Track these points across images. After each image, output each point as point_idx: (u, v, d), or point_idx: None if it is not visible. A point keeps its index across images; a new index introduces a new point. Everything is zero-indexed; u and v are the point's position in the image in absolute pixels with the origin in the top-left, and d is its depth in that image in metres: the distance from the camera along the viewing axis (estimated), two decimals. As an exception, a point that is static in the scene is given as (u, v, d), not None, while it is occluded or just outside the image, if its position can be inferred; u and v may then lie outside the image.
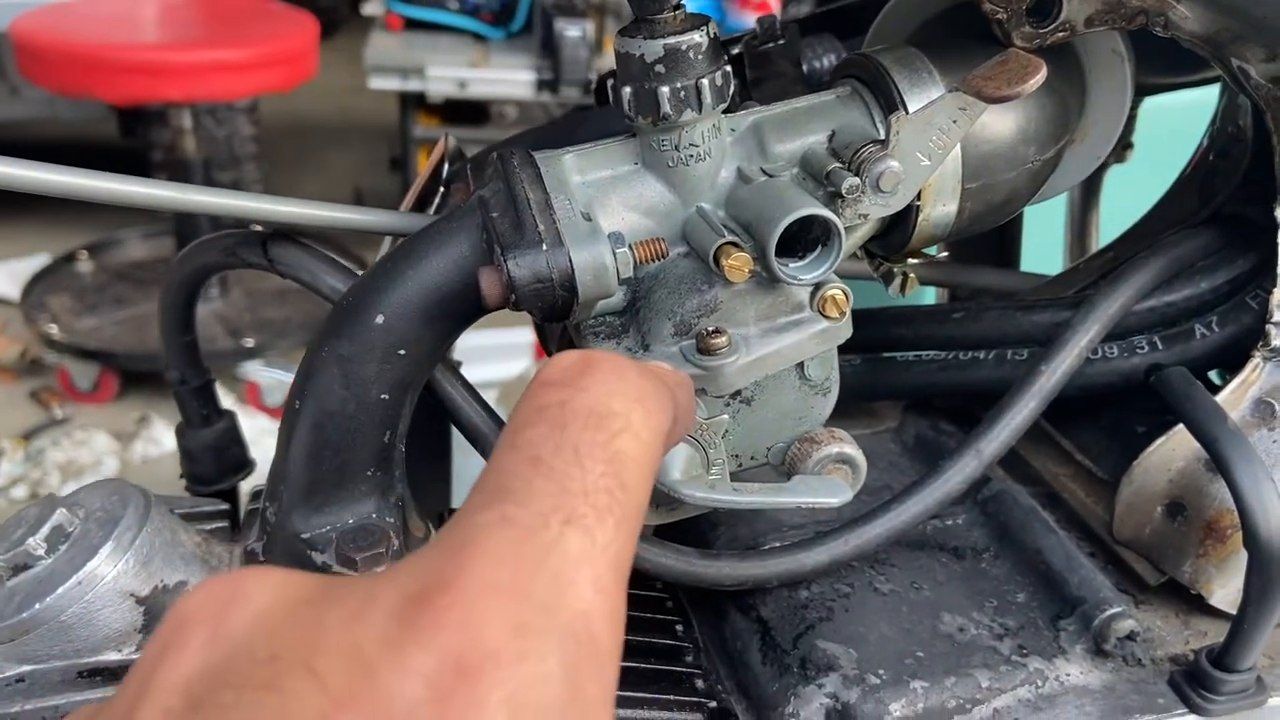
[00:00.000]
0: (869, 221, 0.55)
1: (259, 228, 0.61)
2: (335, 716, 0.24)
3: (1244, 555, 0.55)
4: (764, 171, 0.54)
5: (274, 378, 2.94)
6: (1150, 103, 0.81)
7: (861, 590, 0.62)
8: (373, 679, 0.25)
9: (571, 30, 3.26)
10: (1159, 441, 0.61)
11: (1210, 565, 0.61)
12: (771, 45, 0.70)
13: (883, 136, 0.53)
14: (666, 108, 0.51)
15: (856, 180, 0.52)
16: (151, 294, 3.23)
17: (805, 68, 0.71)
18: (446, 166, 0.70)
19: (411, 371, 0.54)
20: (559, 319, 0.53)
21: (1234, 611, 0.57)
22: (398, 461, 0.57)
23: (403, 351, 0.53)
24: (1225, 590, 0.61)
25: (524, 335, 2.57)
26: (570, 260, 0.49)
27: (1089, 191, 0.97)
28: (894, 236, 0.61)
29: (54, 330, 3.01)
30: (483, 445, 0.59)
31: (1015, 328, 0.69)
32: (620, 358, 0.35)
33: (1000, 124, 0.58)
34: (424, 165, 0.71)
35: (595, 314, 0.54)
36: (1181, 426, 0.59)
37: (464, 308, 0.53)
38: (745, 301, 0.53)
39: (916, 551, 0.65)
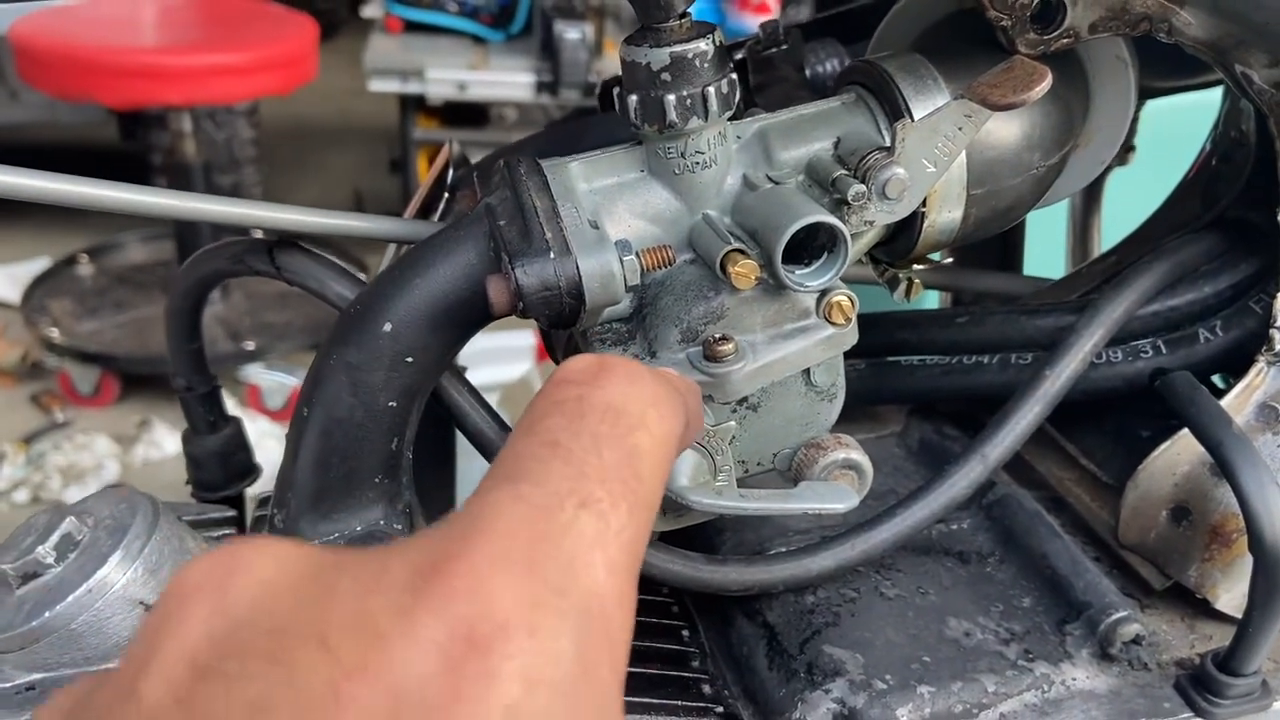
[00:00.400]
0: (874, 228, 0.55)
1: (262, 234, 0.61)
2: (346, 687, 0.24)
3: (1249, 559, 0.55)
4: (770, 179, 0.55)
5: (275, 381, 2.94)
6: (1153, 106, 0.81)
7: (868, 595, 0.62)
8: (384, 649, 0.25)
9: (571, 32, 3.26)
10: (1164, 446, 0.61)
11: (1215, 569, 0.61)
12: (775, 50, 0.71)
13: (888, 143, 0.53)
14: (673, 116, 0.52)
15: (862, 187, 0.52)
16: (152, 297, 3.23)
17: (809, 73, 0.71)
18: (450, 172, 0.70)
19: (419, 379, 0.54)
20: (566, 326, 0.53)
21: (1239, 616, 0.57)
22: (405, 468, 0.57)
23: (410, 359, 0.53)
24: (1230, 594, 0.62)
25: (526, 338, 2.58)
26: (578, 268, 0.49)
27: (1092, 195, 0.97)
28: (899, 242, 0.61)
29: (55, 334, 3.01)
30: (488, 450, 0.59)
31: (1019, 332, 0.69)
32: (634, 362, 0.35)
33: (1005, 130, 0.58)
34: (425, 169, 0.71)
35: (602, 321, 0.54)
36: (1186, 431, 0.59)
37: (471, 315, 0.53)
38: (752, 308, 0.54)
39: (922, 556, 0.65)
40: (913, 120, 0.54)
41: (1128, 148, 0.84)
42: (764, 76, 0.71)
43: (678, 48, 0.51)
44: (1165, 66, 0.70)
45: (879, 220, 0.54)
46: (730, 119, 0.54)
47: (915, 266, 0.63)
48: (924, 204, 0.57)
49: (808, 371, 0.56)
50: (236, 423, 0.77)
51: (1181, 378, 0.61)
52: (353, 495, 0.55)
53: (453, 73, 3.32)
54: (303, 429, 0.55)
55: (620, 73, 0.54)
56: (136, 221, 3.47)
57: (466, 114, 3.46)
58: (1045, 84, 0.51)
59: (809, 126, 0.56)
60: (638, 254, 0.51)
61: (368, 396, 0.53)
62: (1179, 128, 0.90)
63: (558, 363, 0.63)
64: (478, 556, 0.26)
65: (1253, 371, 0.60)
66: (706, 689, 0.59)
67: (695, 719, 0.56)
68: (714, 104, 0.52)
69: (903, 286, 0.62)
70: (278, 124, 4.26)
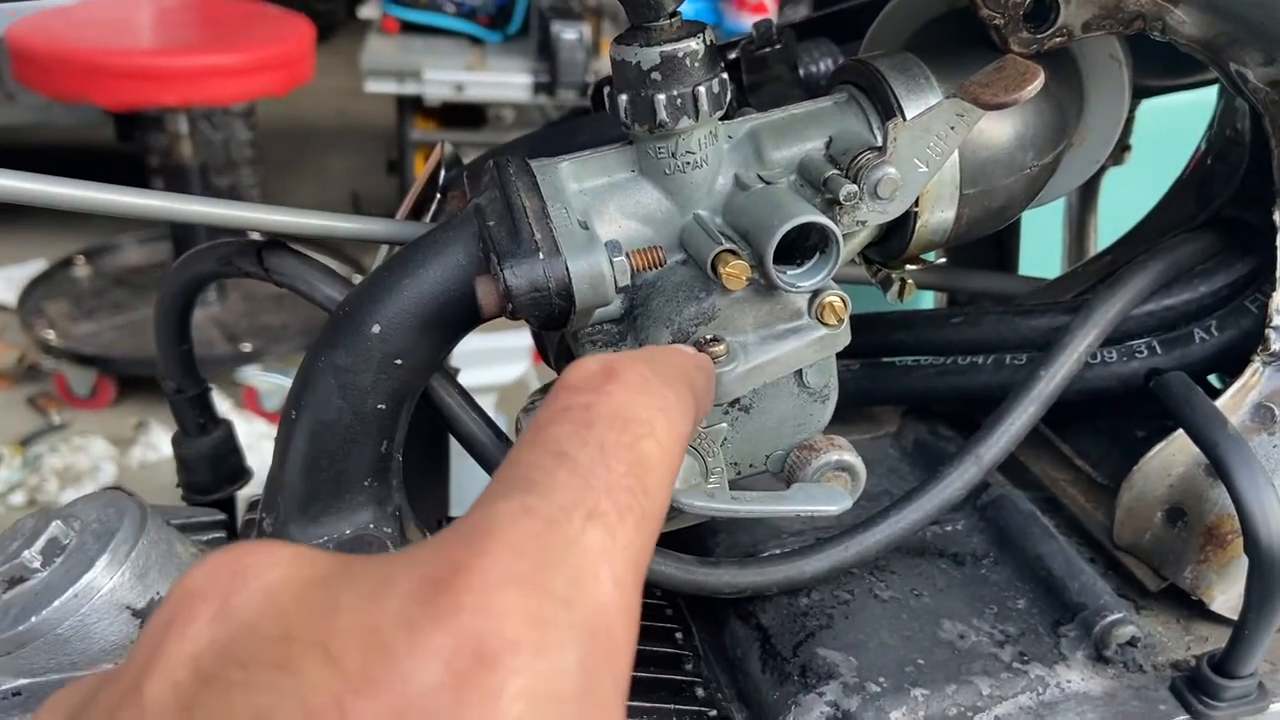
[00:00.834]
0: (867, 228, 0.55)
1: (256, 236, 0.61)
2: (350, 699, 0.24)
3: (1244, 561, 0.55)
4: (761, 178, 0.54)
5: (272, 382, 2.94)
6: (1148, 105, 0.81)
7: (861, 597, 0.62)
8: (389, 661, 0.24)
9: (568, 33, 3.26)
10: (1159, 446, 0.61)
11: (1211, 571, 0.61)
12: (768, 50, 0.70)
13: (880, 143, 0.53)
14: (663, 115, 0.51)
15: (854, 187, 0.52)
16: (149, 299, 3.22)
17: (802, 72, 0.71)
18: (443, 173, 0.70)
19: (408, 381, 0.54)
20: (556, 327, 0.53)
21: (1235, 617, 0.56)
22: (395, 471, 0.57)
23: (399, 361, 0.53)
24: (1226, 596, 0.61)
25: (523, 339, 2.57)
26: (567, 269, 0.49)
27: (1087, 195, 0.97)
28: (892, 242, 0.61)
29: (51, 336, 3.01)
30: (480, 454, 0.59)
31: (1014, 332, 0.68)
32: (643, 366, 0.35)
33: (998, 130, 0.58)
34: (420, 171, 0.70)
35: (593, 322, 0.54)
36: (1181, 431, 0.59)
37: (461, 317, 0.53)
38: (743, 309, 0.53)
39: (916, 558, 0.65)
40: (905, 120, 0.54)
41: (1123, 147, 0.84)
42: (757, 76, 0.70)
43: (668, 47, 0.51)
44: (1160, 65, 0.70)
45: (871, 220, 0.53)
46: (722, 118, 0.54)
47: (908, 267, 0.63)
48: (917, 204, 0.56)
49: (800, 373, 0.55)
50: (227, 425, 0.76)
51: (1176, 378, 0.60)
52: (342, 499, 0.55)
53: (450, 74, 3.32)
54: (291, 432, 0.54)
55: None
56: (133, 223, 3.47)
57: (464, 115, 3.46)
58: (1038, 83, 0.50)
59: (801, 126, 0.56)
60: (628, 255, 0.51)
61: (356, 399, 0.53)
62: (1174, 127, 0.89)
63: (549, 364, 0.63)
64: (485, 570, 0.26)
65: (1248, 371, 0.60)
66: (700, 692, 0.59)
67: (688, 722, 0.56)
68: (705, 103, 0.51)
69: (896, 287, 0.62)
70: (275, 125, 4.25)
